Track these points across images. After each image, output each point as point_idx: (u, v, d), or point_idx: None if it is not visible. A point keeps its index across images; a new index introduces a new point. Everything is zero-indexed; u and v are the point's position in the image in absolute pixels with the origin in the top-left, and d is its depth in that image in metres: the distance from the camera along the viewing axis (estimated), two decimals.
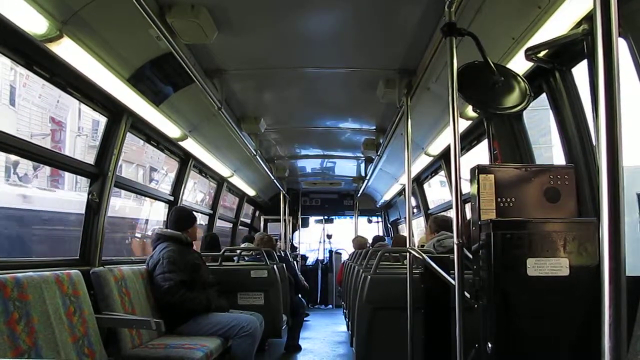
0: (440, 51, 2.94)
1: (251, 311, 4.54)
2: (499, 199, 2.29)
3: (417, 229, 8.42)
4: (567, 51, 2.68)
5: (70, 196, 11.06)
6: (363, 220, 12.28)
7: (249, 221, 10.76)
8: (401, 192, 8.73)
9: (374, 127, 6.23)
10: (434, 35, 3.37)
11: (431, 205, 7.47)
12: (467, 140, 4.61)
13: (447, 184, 5.90)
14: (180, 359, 3.32)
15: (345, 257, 10.59)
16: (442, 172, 6.09)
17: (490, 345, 2.06)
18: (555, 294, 2.02)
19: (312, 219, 12.44)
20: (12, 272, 2.60)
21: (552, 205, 2.29)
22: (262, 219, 11.54)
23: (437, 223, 4.56)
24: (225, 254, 5.59)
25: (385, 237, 10.94)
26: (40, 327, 2.60)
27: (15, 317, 2.45)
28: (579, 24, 2.38)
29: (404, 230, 10.02)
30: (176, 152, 5.43)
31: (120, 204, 10.37)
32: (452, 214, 2.49)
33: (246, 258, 6.33)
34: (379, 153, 6.40)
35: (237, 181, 7.84)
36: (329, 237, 12.15)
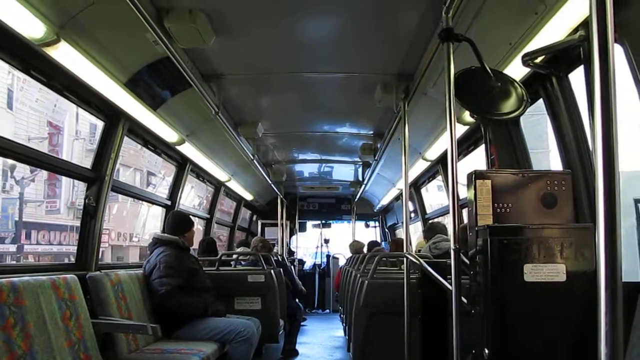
0: (437, 56, 2.95)
1: (248, 316, 4.52)
2: (495, 204, 2.29)
3: (414, 234, 8.42)
4: (564, 57, 2.68)
5: None
6: (360, 224, 12.28)
7: (246, 226, 10.74)
8: (398, 197, 8.73)
9: (372, 132, 6.23)
10: (431, 40, 3.38)
11: (428, 210, 7.47)
12: (465, 146, 4.62)
13: (445, 189, 5.91)
14: None
15: (342, 261, 10.57)
16: (440, 177, 6.09)
17: (487, 350, 2.05)
18: (552, 300, 2.01)
19: (309, 224, 12.43)
20: (8, 277, 2.59)
21: (549, 211, 2.30)
22: (259, 223, 11.53)
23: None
24: (222, 258, 5.58)
25: (382, 242, 10.95)
26: (36, 332, 2.58)
27: (10, 322, 2.43)
28: (575, 30, 2.39)
29: (401, 235, 10.01)
30: (173, 157, 5.42)
31: None
32: (449, 219, 2.49)
33: (243, 263, 6.32)
34: (376, 158, 6.40)
35: (235, 185, 7.83)
36: (327, 241, 12.14)
